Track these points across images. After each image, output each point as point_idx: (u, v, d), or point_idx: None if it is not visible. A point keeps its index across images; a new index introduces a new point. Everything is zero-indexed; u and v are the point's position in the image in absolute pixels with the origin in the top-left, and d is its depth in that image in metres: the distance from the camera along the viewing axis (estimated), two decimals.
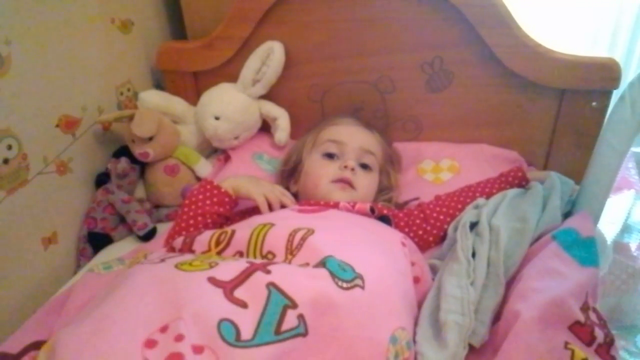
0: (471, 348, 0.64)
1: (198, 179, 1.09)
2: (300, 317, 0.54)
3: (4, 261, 0.83)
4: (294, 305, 0.54)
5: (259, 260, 0.63)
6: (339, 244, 0.67)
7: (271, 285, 0.55)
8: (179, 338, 0.49)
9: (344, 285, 0.58)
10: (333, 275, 0.59)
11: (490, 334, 0.66)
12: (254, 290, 0.55)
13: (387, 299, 0.62)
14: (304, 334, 0.54)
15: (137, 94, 1.12)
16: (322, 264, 0.61)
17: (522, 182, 0.95)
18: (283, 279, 0.56)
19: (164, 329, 0.50)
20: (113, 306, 0.53)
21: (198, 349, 0.49)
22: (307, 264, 0.63)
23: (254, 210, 0.87)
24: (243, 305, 0.53)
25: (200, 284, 0.55)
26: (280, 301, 0.54)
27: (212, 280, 0.55)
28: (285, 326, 0.53)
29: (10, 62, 0.82)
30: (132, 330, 0.50)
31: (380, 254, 0.69)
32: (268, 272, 0.57)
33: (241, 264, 0.59)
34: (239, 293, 0.54)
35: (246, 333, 0.51)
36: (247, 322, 0.52)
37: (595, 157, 0.84)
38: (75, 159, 0.99)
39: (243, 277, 0.56)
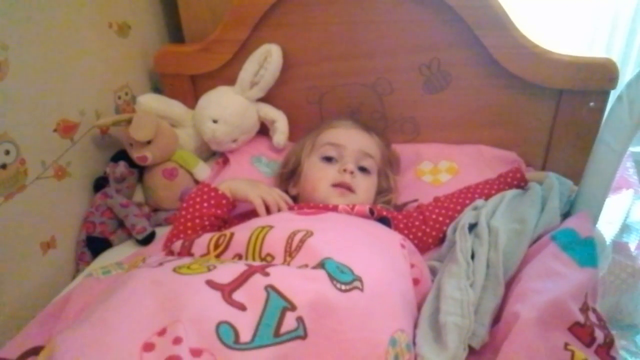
0: (471, 350, 0.64)
1: (196, 182, 1.08)
2: (300, 319, 0.54)
3: (3, 266, 0.83)
4: (293, 308, 0.54)
5: (257, 263, 0.63)
6: (338, 246, 0.67)
7: (270, 288, 0.55)
8: (177, 341, 0.49)
9: (343, 287, 0.58)
10: (331, 277, 0.59)
11: (490, 335, 0.66)
12: (252, 293, 0.55)
13: (386, 301, 0.62)
14: (303, 336, 0.54)
15: (135, 97, 1.12)
16: (321, 265, 0.61)
17: (520, 183, 0.95)
18: (282, 281, 0.56)
19: (162, 332, 0.50)
20: (111, 310, 0.53)
21: (196, 352, 0.49)
22: (306, 266, 0.63)
23: (252, 213, 0.87)
24: (242, 307, 0.53)
25: (199, 287, 0.55)
26: (279, 303, 0.54)
27: (211, 283, 0.55)
28: (285, 328, 0.53)
29: (8, 66, 0.82)
30: (130, 334, 0.50)
31: (380, 256, 0.69)
32: (267, 274, 0.57)
33: (240, 267, 0.59)
34: (237, 296, 0.54)
35: (245, 335, 0.51)
36: (245, 325, 0.52)
37: (594, 158, 0.84)
38: (74, 163, 0.99)
39: (242, 280, 0.56)
